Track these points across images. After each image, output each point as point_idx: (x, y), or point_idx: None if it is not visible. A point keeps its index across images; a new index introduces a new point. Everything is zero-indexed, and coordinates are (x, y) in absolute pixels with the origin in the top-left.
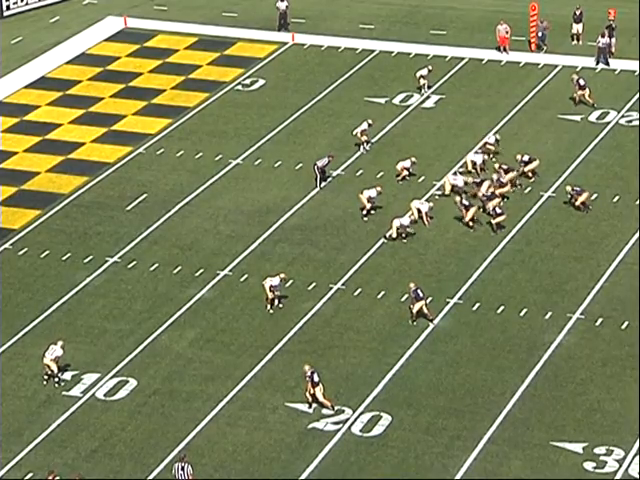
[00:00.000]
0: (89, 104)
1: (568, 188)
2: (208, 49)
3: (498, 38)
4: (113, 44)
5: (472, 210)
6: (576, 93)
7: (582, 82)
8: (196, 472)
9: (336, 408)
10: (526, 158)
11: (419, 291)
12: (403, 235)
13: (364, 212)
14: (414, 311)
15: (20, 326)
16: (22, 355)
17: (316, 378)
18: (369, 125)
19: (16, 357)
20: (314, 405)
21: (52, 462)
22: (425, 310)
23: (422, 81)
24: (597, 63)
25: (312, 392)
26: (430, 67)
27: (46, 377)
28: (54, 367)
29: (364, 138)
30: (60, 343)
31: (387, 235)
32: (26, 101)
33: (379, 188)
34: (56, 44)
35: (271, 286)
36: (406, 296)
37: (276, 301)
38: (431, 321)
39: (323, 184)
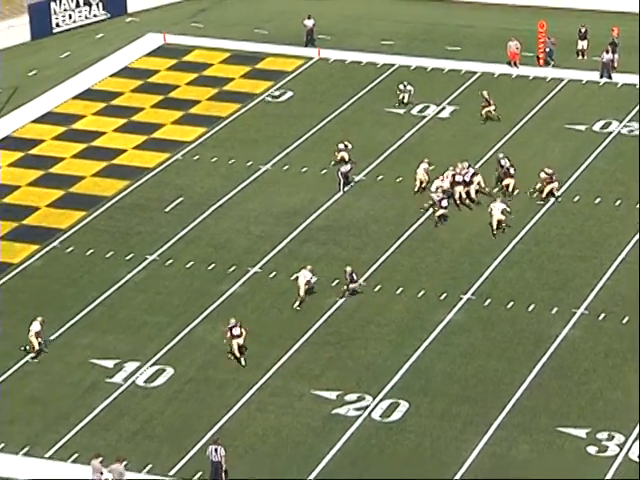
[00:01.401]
0: (131, 114)
1: (542, 174)
2: (240, 63)
3: (509, 53)
4: (153, 59)
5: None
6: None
7: (487, 97)
8: (228, 453)
9: (356, 394)
10: (549, 171)
11: (354, 274)
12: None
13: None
14: (347, 291)
15: (67, 318)
16: (69, 345)
17: (236, 332)
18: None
19: (63, 347)
20: (232, 357)
21: (96, 444)
22: (357, 290)
23: (402, 95)
24: (601, 77)
25: (231, 344)
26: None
27: (26, 350)
28: (35, 342)
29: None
30: (39, 319)
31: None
32: (73, 111)
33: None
34: (101, 58)
35: (307, 281)
36: (422, 291)
37: (307, 297)
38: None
39: (346, 188)
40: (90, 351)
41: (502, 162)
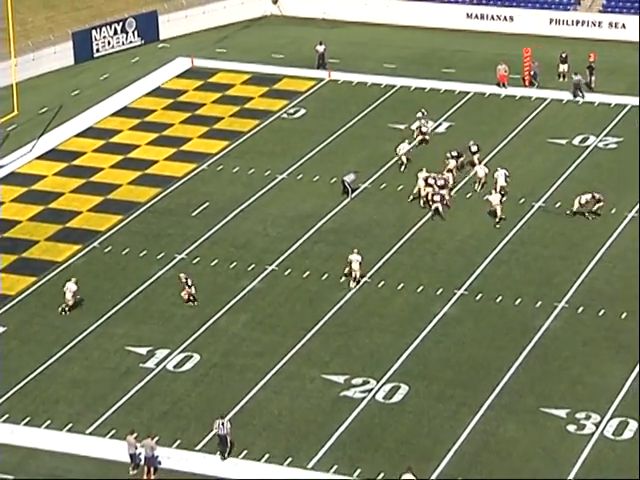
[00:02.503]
0: (162, 129)
1: (585, 197)
2: (259, 84)
3: (498, 76)
4: (182, 80)
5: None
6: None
7: (421, 115)
8: (247, 430)
9: (362, 378)
10: (588, 197)
11: (188, 280)
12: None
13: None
14: (185, 297)
15: (105, 310)
16: (106, 334)
17: (189, 282)
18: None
19: (102, 336)
20: (190, 303)
21: (131, 422)
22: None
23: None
24: (575, 96)
25: (186, 293)
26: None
27: (64, 311)
28: (71, 299)
29: (404, 158)
30: (74, 279)
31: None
32: (111, 126)
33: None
34: (136, 80)
35: (360, 263)
36: (421, 287)
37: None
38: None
39: (353, 194)
40: (125, 339)
41: (472, 148)
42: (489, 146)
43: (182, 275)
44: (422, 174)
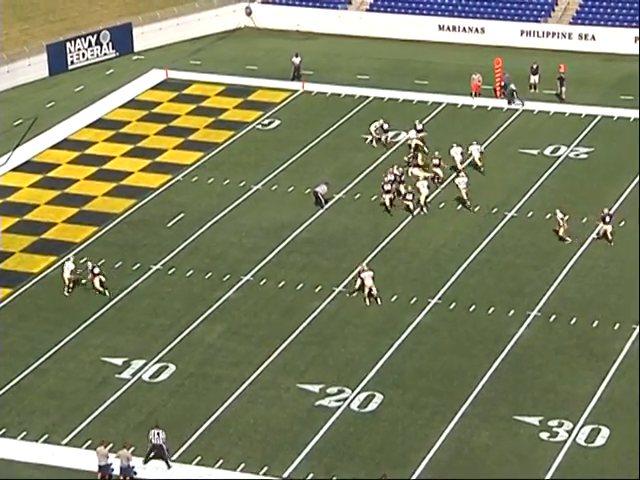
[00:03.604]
0: (137, 140)
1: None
2: (234, 95)
3: (472, 85)
4: (157, 92)
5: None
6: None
7: (386, 126)
8: (223, 440)
9: (337, 387)
10: (606, 212)
11: (95, 268)
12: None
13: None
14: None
15: (80, 320)
16: (82, 345)
17: (96, 271)
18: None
19: (77, 347)
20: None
21: (107, 432)
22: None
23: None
24: (509, 103)
25: (93, 281)
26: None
27: (67, 289)
28: (70, 278)
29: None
30: (72, 258)
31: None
32: (86, 138)
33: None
34: (111, 92)
35: (373, 277)
36: (395, 296)
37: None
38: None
39: (327, 205)
40: (101, 350)
41: (417, 126)
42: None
43: (89, 263)
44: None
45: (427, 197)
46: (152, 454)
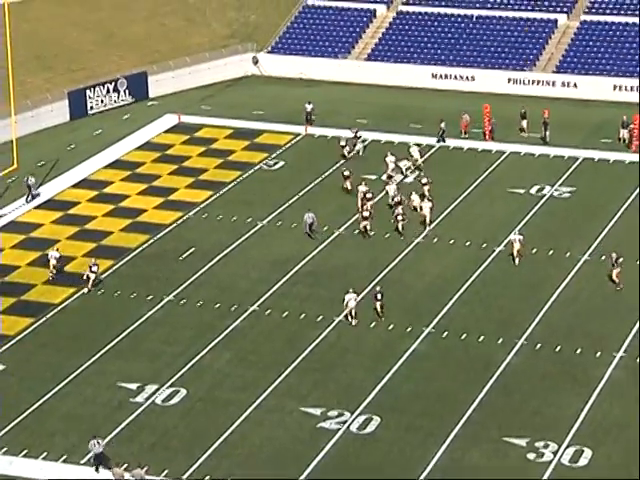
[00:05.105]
0: (151, 180)
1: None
2: (241, 138)
3: (462, 124)
4: (170, 135)
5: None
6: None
7: (346, 173)
8: (231, 460)
9: (337, 410)
10: (615, 256)
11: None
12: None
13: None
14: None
15: (97, 348)
16: (99, 371)
17: (94, 269)
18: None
19: (95, 373)
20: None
21: (122, 453)
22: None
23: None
24: (438, 142)
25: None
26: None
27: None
28: (54, 265)
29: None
30: (56, 248)
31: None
32: (104, 178)
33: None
34: (127, 135)
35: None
36: (392, 325)
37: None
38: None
39: (314, 236)
40: (117, 376)
41: (413, 153)
42: (453, 193)
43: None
44: (362, 187)
45: (394, 197)
46: (98, 462)
